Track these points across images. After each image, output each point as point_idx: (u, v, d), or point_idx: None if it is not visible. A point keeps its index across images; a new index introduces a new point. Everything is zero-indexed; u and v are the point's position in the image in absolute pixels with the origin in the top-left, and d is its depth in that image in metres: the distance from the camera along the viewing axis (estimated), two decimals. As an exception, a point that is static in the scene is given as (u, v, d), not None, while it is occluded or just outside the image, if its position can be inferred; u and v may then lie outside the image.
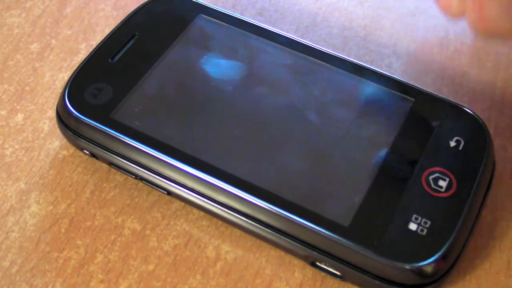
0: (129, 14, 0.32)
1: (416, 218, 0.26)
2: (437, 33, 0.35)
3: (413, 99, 0.29)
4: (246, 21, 0.32)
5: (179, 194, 0.28)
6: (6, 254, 0.27)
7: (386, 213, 0.26)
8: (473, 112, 0.29)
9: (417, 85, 0.30)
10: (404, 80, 0.30)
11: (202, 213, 0.29)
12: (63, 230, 0.28)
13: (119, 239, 0.28)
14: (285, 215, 0.26)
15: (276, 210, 0.26)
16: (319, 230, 0.25)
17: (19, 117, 0.32)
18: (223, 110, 0.29)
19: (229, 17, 0.32)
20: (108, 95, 0.29)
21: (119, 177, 0.30)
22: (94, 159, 0.30)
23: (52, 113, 0.32)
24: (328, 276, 0.27)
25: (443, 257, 0.25)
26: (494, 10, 0.23)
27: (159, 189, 0.28)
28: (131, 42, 0.31)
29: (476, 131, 0.28)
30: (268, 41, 0.31)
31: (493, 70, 0.34)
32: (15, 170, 0.30)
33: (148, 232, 0.28)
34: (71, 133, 0.29)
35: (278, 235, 0.26)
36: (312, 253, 0.26)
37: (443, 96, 0.30)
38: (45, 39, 0.35)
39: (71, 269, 0.27)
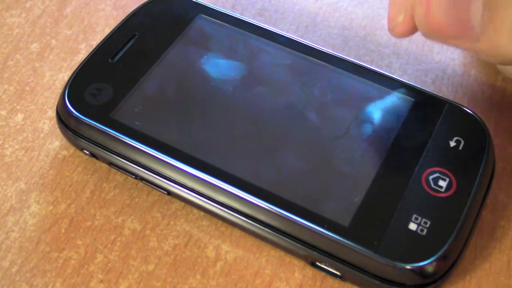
0: (129, 14, 0.32)
1: (416, 218, 0.26)
2: (437, 33, 0.35)
3: (413, 99, 0.29)
4: (246, 21, 0.32)
5: (179, 194, 0.28)
6: (6, 254, 0.27)
7: (386, 213, 0.26)
8: (473, 112, 0.29)
9: (417, 85, 0.30)
10: (404, 80, 0.30)
11: (202, 213, 0.29)
12: (63, 230, 0.28)
13: (119, 239, 0.28)
14: (285, 215, 0.26)
15: (276, 210, 0.26)
16: (319, 230, 0.25)
17: (19, 117, 0.32)
18: (223, 110, 0.29)
19: (229, 17, 0.32)
20: (108, 95, 0.29)
21: (119, 177, 0.30)
22: (94, 159, 0.30)
23: (52, 113, 0.32)
24: (328, 276, 0.27)
25: (443, 257, 0.25)
26: (439, 10, 0.24)
27: (159, 189, 0.28)
28: (131, 42, 0.31)
29: (476, 131, 0.28)
30: (268, 41, 0.31)
31: (493, 70, 0.34)
32: (15, 170, 0.30)
33: (148, 232, 0.28)
34: (71, 133, 0.29)
35: (278, 235, 0.26)
36: (312, 253, 0.26)
37: (443, 96, 0.30)
38: (45, 39, 0.35)
39: (71, 269, 0.27)
